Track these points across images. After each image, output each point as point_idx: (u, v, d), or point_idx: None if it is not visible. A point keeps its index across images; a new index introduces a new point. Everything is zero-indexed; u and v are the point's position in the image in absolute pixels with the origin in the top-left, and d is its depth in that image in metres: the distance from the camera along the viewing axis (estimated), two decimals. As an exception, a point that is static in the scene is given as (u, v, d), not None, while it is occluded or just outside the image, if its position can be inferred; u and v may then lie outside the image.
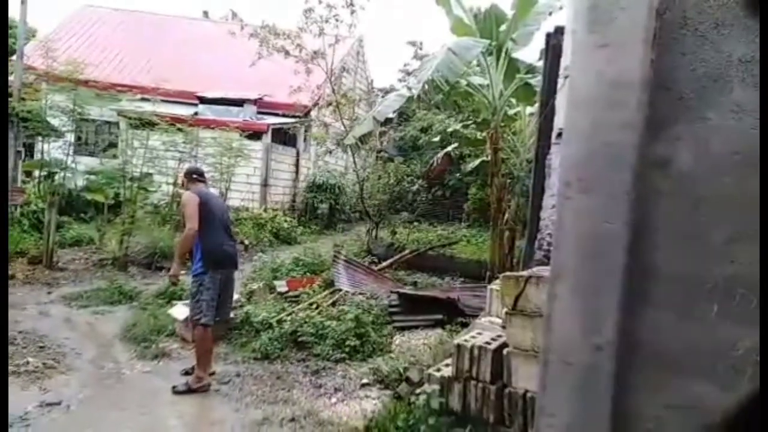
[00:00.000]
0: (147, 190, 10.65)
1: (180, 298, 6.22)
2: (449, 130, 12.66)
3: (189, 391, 4.39)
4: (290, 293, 6.84)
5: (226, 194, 11.33)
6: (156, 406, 4.19)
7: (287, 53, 11.51)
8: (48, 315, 6.26)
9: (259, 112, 14.88)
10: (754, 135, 1.46)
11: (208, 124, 12.50)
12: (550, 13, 8.30)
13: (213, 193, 5.44)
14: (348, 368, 5.01)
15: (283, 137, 15.18)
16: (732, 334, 1.45)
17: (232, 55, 15.05)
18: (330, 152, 14.44)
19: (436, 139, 14.08)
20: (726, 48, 1.50)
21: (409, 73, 19.09)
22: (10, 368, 4.48)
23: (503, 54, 8.26)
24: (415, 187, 13.07)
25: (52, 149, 10.21)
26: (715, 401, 1.47)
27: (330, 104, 12.21)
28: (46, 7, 17.77)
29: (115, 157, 10.75)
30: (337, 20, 10.98)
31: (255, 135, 13.48)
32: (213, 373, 4.66)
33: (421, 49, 20.65)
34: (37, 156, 10.95)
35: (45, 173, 10.42)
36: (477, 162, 12.32)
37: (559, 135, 4.40)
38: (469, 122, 11.58)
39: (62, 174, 9.66)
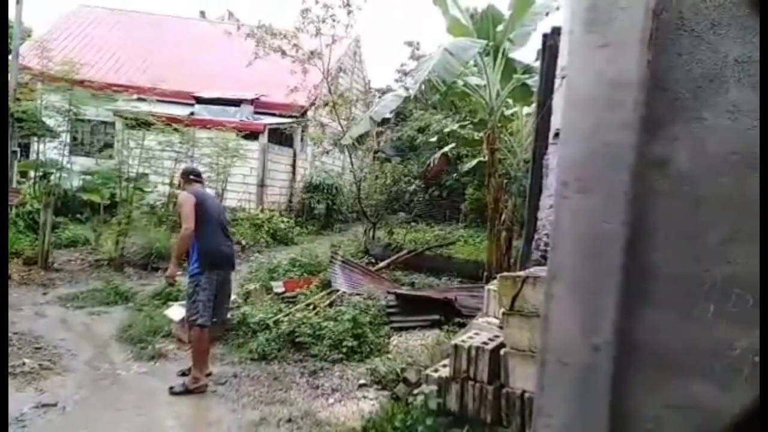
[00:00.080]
0: (143, 191, 10.62)
1: (176, 299, 6.20)
2: (446, 130, 12.67)
3: (186, 391, 4.38)
4: (287, 294, 6.82)
5: (222, 194, 11.31)
6: (152, 407, 4.17)
7: (284, 53, 11.49)
8: (44, 316, 6.23)
9: (255, 112, 14.85)
10: (751, 135, 1.46)
11: (204, 124, 12.47)
12: (547, 14, 8.32)
13: (209, 193, 5.44)
14: (345, 369, 5.00)
15: (280, 137, 15.16)
16: (729, 334, 1.46)
17: (228, 55, 15.01)
18: (327, 152, 14.40)
19: (433, 139, 14.09)
20: (722, 48, 1.50)
21: (406, 74, 19.11)
22: (6, 369, 4.46)
23: (500, 54, 8.27)
24: (412, 188, 13.07)
25: (47, 149, 10.18)
26: (714, 401, 1.47)
27: (327, 104, 12.19)
28: (42, 7, 17.72)
29: (111, 157, 10.73)
30: (333, 20, 10.97)
31: (252, 135, 13.45)
32: (210, 374, 4.64)
33: (418, 49, 20.69)
34: (33, 156, 10.91)
35: (40, 174, 10.38)
36: (474, 162, 12.33)
37: (557, 135, 4.41)
38: (466, 122, 11.60)
39: (58, 174, 9.63)
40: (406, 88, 8.85)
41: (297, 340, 5.39)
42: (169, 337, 5.59)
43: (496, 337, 3.67)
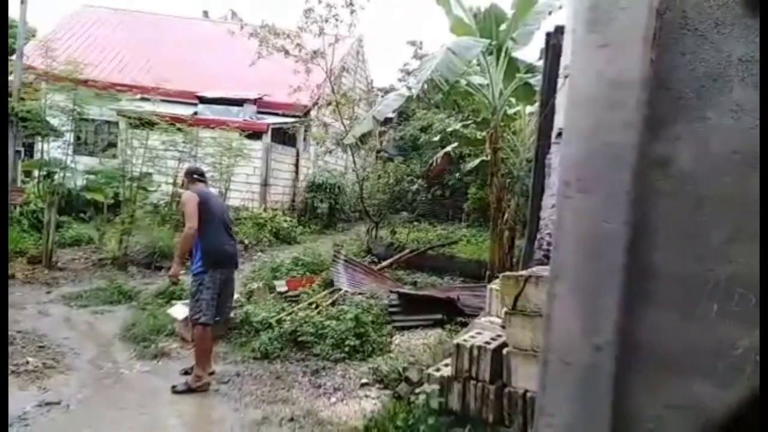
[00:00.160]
0: (146, 190, 10.64)
1: (179, 298, 6.22)
2: (449, 129, 12.65)
3: (188, 390, 4.39)
4: (290, 293, 6.83)
5: (225, 194, 11.32)
6: (155, 406, 4.18)
7: (287, 53, 11.51)
8: (47, 315, 6.26)
9: (258, 112, 14.87)
10: (754, 134, 1.46)
11: (207, 124, 12.49)
12: (550, 13, 8.31)
13: (213, 192, 5.44)
14: (347, 368, 5.00)
15: (283, 137, 15.17)
16: (731, 334, 1.45)
17: (231, 55, 15.05)
18: (330, 152, 14.43)
19: (436, 138, 14.07)
20: (726, 48, 1.50)
21: (408, 73, 19.10)
22: (9, 368, 4.48)
23: (503, 53, 8.25)
24: (414, 187, 13.07)
25: (51, 149, 10.18)
26: (715, 401, 1.47)
27: (330, 104, 12.20)
28: (46, 7, 17.76)
29: (114, 156, 10.75)
30: (336, 20, 10.99)
31: (255, 135, 13.47)
32: (212, 373, 4.66)
33: (420, 48, 20.67)
34: (37, 156, 10.93)
35: (44, 173, 10.39)
36: (477, 161, 12.31)
37: (559, 134, 4.40)
38: (469, 122, 11.57)
39: (62, 174, 9.64)
40: (409, 88, 8.86)
41: (299, 339, 5.40)
42: (172, 336, 5.61)
43: (499, 336, 3.67)
